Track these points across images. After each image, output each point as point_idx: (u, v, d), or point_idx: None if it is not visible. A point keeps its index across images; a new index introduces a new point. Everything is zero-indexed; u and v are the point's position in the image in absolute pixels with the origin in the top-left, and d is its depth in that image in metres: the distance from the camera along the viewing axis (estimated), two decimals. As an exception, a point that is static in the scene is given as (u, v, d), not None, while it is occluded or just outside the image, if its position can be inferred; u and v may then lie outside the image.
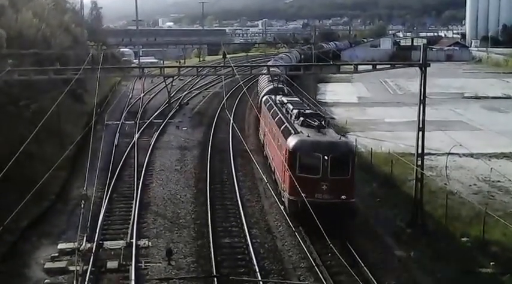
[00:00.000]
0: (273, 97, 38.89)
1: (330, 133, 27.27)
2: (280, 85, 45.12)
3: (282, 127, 29.33)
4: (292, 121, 29.23)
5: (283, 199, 27.28)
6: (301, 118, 28.56)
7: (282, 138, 28.22)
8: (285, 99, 36.46)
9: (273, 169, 32.11)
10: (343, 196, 24.78)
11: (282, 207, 27.75)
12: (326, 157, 24.65)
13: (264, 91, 45.26)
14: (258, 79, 58.18)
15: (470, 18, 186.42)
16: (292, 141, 25.94)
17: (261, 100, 43.15)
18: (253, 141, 43.98)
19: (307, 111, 30.87)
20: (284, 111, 32.96)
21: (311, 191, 24.28)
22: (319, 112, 33.18)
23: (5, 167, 17.64)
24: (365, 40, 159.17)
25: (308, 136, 26.18)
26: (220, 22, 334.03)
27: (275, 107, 35.28)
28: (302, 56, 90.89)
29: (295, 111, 30.43)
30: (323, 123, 28.06)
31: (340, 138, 26.42)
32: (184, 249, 24.34)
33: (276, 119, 32.37)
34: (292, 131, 27.27)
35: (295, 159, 25.34)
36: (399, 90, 79.54)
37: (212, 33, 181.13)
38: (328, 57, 72.90)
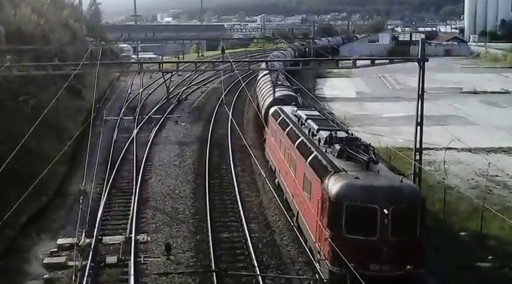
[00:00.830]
0: (285, 110, 31.85)
1: (383, 171, 19.44)
2: (290, 92, 39.17)
3: (310, 159, 21.95)
4: (324, 150, 21.84)
5: (318, 266, 19.79)
6: (337, 147, 21.04)
7: (312, 176, 20.86)
8: (302, 114, 28.57)
9: (295, 212, 24.38)
10: (409, 266, 17.72)
11: (317, 276, 20.65)
12: (386, 211, 17.47)
13: (270, 99, 37.83)
14: (256, 75, 55.99)
15: (468, 13, 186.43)
16: (334, 186, 18.35)
17: (267, 111, 35.83)
18: (252, 136, 44.01)
19: (339, 134, 23.28)
20: (307, 132, 25.43)
21: (364, 259, 17.43)
22: (354, 134, 25.12)
23: (5, 162, 17.67)
24: (358, 36, 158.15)
25: (356, 177, 18.42)
26: (219, 17, 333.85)
27: (291, 125, 28.03)
28: (296, 53, 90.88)
29: (323, 134, 23.47)
30: (372, 155, 20.28)
31: (401, 180, 18.56)
32: (183, 244, 24.41)
33: (296, 143, 25.00)
34: (330, 167, 19.65)
35: (340, 213, 17.89)
36: (398, 85, 79.53)
37: (211, 28, 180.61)
38: (323, 53, 72.81)
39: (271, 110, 34.07)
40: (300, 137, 25.19)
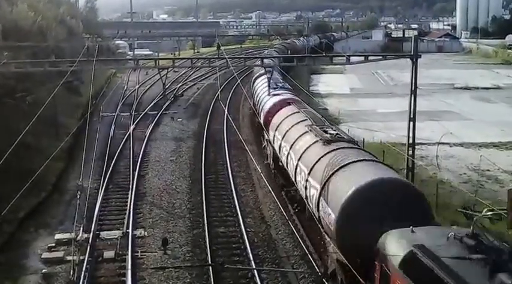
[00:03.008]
0: (444, 259, 11.95)
1: None
2: (390, 173, 18.16)
3: None
4: None
5: None
6: None
7: None
8: None
9: None
10: None
11: None
12: None
13: (346, 197, 16.69)
14: (259, 98, 39.13)
15: (460, 9, 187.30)
16: None
17: (357, 240, 15.75)
18: (247, 132, 44.30)
19: None
20: None
21: None
22: None
23: (2, 158, 17.91)
24: (335, 34, 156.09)
25: None
26: (214, 14, 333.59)
27: None
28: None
29: None
30: None
31: None
32: (179, 238, 24.64)
33: None
34: None
35: None
36: (391, 81, 79.94)
37: (206, 25, 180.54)
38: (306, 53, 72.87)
39: (390, 249, 13.93)
40: None
